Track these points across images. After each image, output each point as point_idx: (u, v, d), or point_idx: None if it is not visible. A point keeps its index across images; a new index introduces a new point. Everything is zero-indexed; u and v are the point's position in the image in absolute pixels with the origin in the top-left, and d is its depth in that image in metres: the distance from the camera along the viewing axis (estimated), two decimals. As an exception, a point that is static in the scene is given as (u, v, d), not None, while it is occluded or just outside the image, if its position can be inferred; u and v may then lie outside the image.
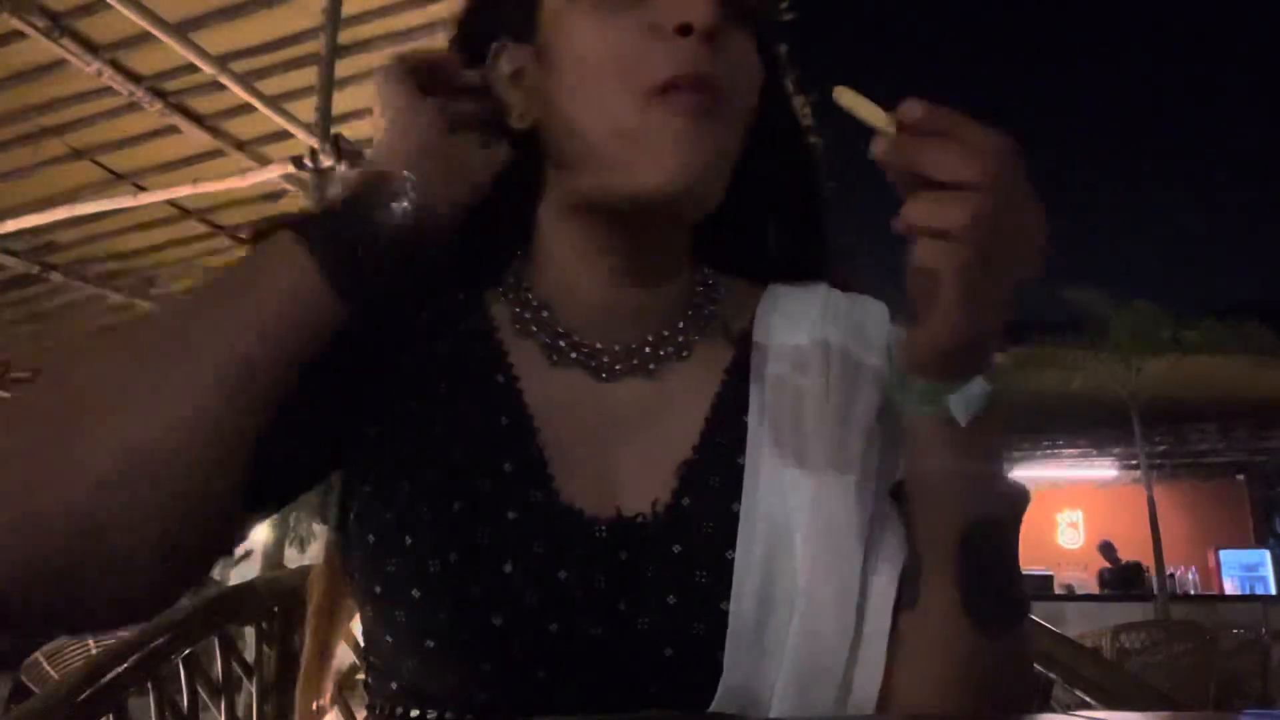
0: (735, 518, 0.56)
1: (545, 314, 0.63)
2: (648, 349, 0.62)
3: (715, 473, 0.58)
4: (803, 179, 0.68)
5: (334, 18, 3.37)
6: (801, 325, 0.63)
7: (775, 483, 0.57)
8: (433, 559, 0.54)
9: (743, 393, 0.61)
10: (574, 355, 0.62)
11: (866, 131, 0.48)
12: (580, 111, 0.57)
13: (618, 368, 0.62)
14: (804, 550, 0.54)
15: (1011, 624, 0.53)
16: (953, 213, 0.44)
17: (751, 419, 0.59)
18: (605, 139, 0.56)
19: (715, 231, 0.64)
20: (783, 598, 0.54)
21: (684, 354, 0.63)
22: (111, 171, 4.56)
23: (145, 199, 4.07)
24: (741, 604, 0.54)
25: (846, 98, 0.49)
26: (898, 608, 0.54)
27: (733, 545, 0.55)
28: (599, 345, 0.62)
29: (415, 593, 0.54)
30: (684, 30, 0.54)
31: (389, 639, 0.57)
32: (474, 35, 0.64)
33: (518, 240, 0.66)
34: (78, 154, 4.39)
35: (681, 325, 0.64)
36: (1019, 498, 0.53)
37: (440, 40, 0.65)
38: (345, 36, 3.63)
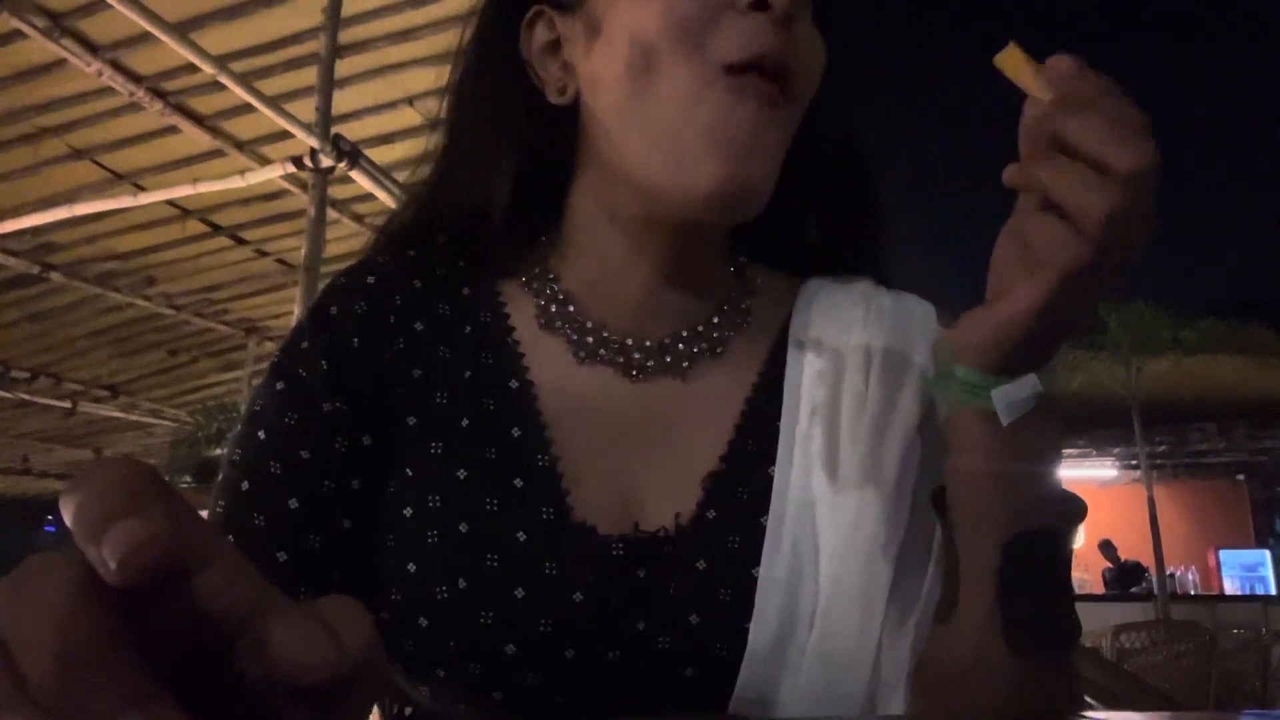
0: (763, 532, 0.52)
1: (572, 308, 0.59)
2: (681, 345, 0.58)
3: (743, 484, 0.55)
4: (850, 168, 0.64)
5: (334, 18, 3.36)
6: (842, 325, 0.58)
7: (804, 496, 0.53)
8: (439, 586, 0.51)
9: (776, 397, 0.57)
10: (603, 352, 0.58)
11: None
12: (635, 88, 0.52)
13: (649, 364, 0.58)
14: (827, 570, 0.51)
15: (1055, 651, 0.46)
16: (1093, 198, 0.38)
17: (783, 427, 0.55)
18: (662, 120, 0.52)
19: (754, 219, 0.59)
20: (804, 617, 0.51)
21: (717, 351, 0.59)
22: (111, 171, 4.55)
23: (145, 199, 4.06)
24: (762, 624, 0.50)
25: (1012, 60, 0.41)
26: (933, 622, 0.49)
27: (759, 562, 0.51)
28: (629, 341, 0.58)
29: (423, 621, 0.51)
30: (759, 5, 0.50)
31: (399, 665, 0.54)
32: (509, 1, 0.61)
33: (543, 227, 0.62)
34: (78, 154, 4.38)
35: (716, 321, 0.60)
36: (1071, 510, 0.46)
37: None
38: (345, 36, 3.63)
